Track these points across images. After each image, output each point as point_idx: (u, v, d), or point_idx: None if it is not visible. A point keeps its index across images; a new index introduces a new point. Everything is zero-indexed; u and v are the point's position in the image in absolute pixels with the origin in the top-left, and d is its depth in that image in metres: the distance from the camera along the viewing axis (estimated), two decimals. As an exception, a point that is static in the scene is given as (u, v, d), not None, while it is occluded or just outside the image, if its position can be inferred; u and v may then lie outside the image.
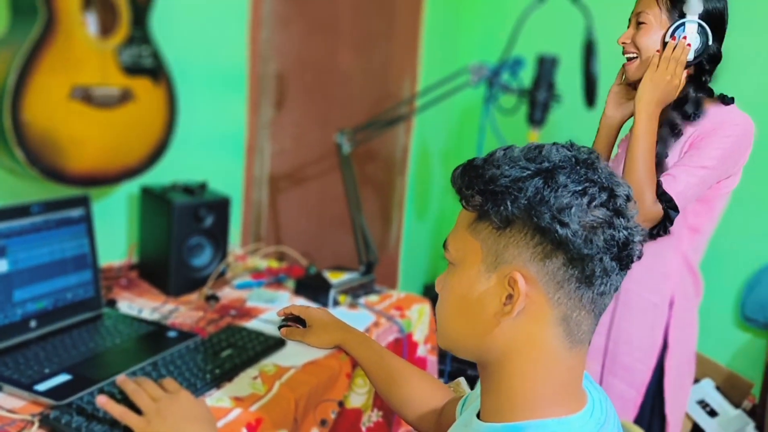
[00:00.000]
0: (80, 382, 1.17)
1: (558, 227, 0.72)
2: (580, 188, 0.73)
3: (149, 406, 0.96)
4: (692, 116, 1.48)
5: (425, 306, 1.76)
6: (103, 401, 0.95)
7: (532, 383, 0.76)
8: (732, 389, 2.85)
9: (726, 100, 1.52)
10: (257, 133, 2.19)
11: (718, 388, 2.79)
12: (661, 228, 1.45)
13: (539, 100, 1.66)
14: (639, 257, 0.78)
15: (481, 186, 0.76)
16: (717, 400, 2.72)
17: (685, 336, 1.55)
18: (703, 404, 2.72)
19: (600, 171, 0.76)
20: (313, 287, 1.70)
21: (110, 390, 1.14)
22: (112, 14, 1.50)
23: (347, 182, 1.85)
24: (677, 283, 1.51)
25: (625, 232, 0.74)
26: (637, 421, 1.53)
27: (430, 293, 3.40)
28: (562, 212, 0.72)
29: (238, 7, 2.06)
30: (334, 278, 1.72)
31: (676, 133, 1.50)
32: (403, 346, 1.62)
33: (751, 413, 2.74)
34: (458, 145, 3.52)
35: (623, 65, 1.62)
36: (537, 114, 1.67)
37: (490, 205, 0.75)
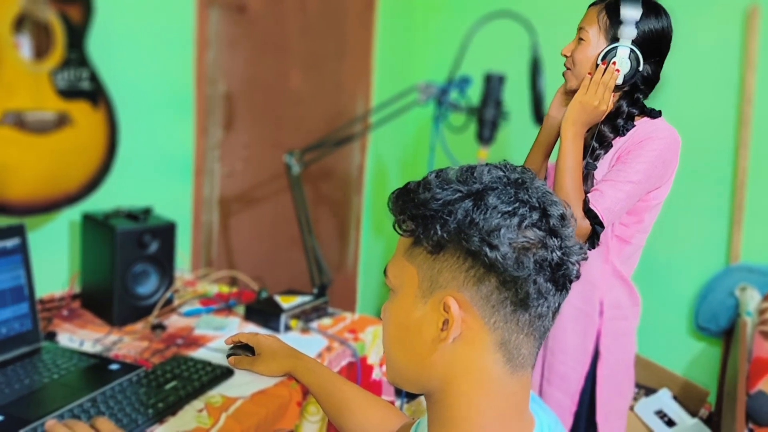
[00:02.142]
0: (13, 423, 1.11)
1: (487, 250, 0.70)
2: (509, 209, 0.72)
3: (80, 449, 0.91)
4: (622, 130, 1.50)
5: (380, 328, 1.73)
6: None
7: (476, 410, 0.74)
8: (689, 398, 2.88)
9: (653, 114, 1.54)
10: (205, 155, 2.15)
11: (675, 397, 2.81)
12: (588, 244, 1.47)
13: (487, 118, 1.66)
14: (577, 277, 0.77)
15: (413, 210, 0.75)
16: (674, 410, 2.75)
17: (620, 345, 1.56)
18: (660, 414, 2.73)
19: (532, 190, 0.75)
20: (264, 312, 1.66)
21: None
22: (45, 36, 1.45)
23: (298, 204, 1.82)
24: (606, 292, 1.53)
25: (559, 253, 0.72)
26: (573, 429, 1.53)
27: (388, 312, 3.37)
28: (491, 234, 0.70)
29: (183, 28, 2.03)
30: (286, 302, 1.68)
31: (606, 146, 1.52)
32: (357, 370, 1.59)
33: (708, 421, 2.77)
34: (414, 161, 3.52)
35: (563, 73, 1.62)
36: (485, 132, 1.68)
37: (421, 229, 0.74)
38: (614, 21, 1.47)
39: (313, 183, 2.77)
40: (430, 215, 0.73)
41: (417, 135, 3.43)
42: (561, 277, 0.74)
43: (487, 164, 0.78)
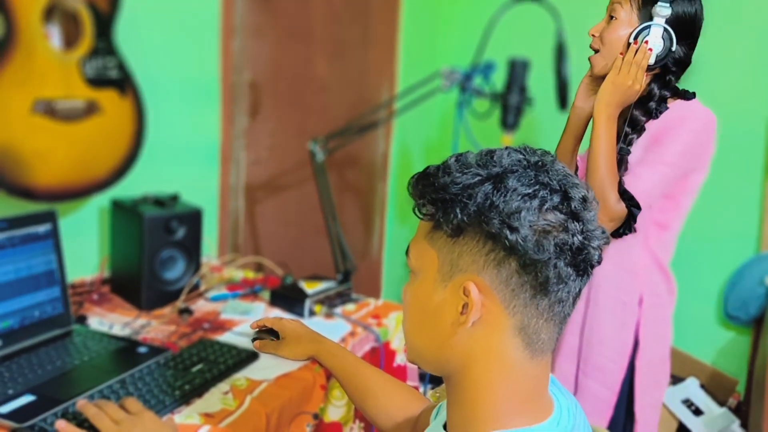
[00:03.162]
0: (44, 403, 1.15)
1: (508, 232, 0.70)
2: (530, 191, 0.71)
3: (111, 429, 0.93)
4: (654, 113, 1.48)
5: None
6: (62, 426, 0.93)
7: (494, 394, 0.75)
8: (717, 387, 2.85)
9: (687, 96, 1.52)
10: (232, 143, 2.17)
11: (702, 386, 2.78)
12: (626, 227, 1.45)
13: (511, 104, 1.65)
14: (599, 262, 0.76)
15: (433, 195, 0.75)
16: (702, 399, 2.72)
17: (657, 334, 1.54)
18: (688, 403, 2.71)
19: (553, 173, 0.74)
20: (289, 298, 1.68)
21: (74, 412, 1.12)
22: (75, 26, 1.47)
23: (322, 191, 1.83)
24: (645, 280, 1.51)
25: (580, 237, 0.72)
26: (613, 421, 1.52)
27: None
28: (511, 217, 0.70)
29: (209, 17, 2.04)
30: (310, 288, 1.70)
31: (639, 129, 1.50)
32: (380, 355, 1.60)
33: (736, 411, 2.74)
34: (438, 148, 3.51)
35: (590, 57, 1.60)
36: (510, 118, 1.67)
37: (441, 213, 0.74)
38: (647, 0, 1.44)
39: (338, 170, 2.78)
40: (450, 199, 0.73)
41: (441, 121, 3.42)
42: (582, 262, 0.73)
43: (507, 147, 0.78)
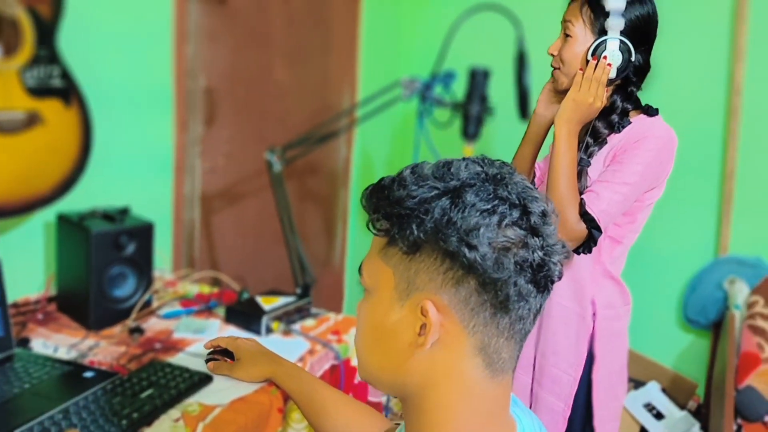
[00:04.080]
0: (-21, 438, 1.08)
1: (466, 250, 0.67)
2: (488, 207, 0.69)
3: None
4: (617, 126, 1.47)
5: (363, 329, 1.70)
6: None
7: (455, 416, 0.71)
8: (677, 391, 2.88)
9: (650, 112, 1.51)
10: (186, 151, 2.10)
11: (663, 390, 2.80)
12: (584, 248, 1.44)
13: (472, 114, 1.62)
14: (559, 277, 0.74)
15: (387, 209, 0.72)
16: (663, 403, 2.74)
17: (613, 346, 1.53)
18: (649, 407, 2.73)
19: (512, 186, 0.72)
20: (245, 314, 1.62)
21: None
22: (13, 33, 1.40)
23: (280, 202, 1.78)
24: (597, 292, 1.49)
25: (541, 253, 0.70)
26: None
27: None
28: (470, 234, 0.67)
29: (161, 21, 1.97)
30: (268, 304, 1.64)
31: (600, 142, 1.49)
32: (340, 373, 1.55)
33: (696, 414, 2.77)
34: (401, 154, 3.48)
35: (553, 72, 1.60)
36: (471, 128, 1.64)
37: (396, 229, 0.71)
38: (599, 13, 1.43)
39: (298, 178, 2.73)
40: (406, 214, 0.70)
41: (403, 128, 3.39)
42: (543, 279, 0.71)
43: (464, 159, 0.75)
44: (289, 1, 2.48)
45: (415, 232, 0.69)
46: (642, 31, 1.44)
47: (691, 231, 2.96)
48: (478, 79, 1.62)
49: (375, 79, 3.11)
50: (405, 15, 3.34)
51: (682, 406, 2.76)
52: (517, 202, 0.70)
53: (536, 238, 0.70)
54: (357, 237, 3.22)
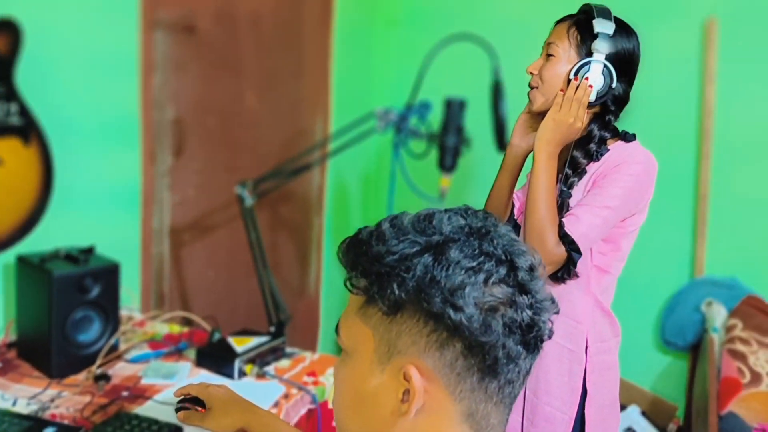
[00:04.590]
0: None
1: (451, 312, 0.63)
2: (474, 264, 0.64)
3: None
4: (595, 155, 1.46)
5: (341, 368, 1.65)
6: None
7: None
8: (657, 413, 2.86)
9: (627, 137, 1.50)
10: (154, 184, 2.04)
11: (643, 413, 2.78)
12: (564, 271, 1.41)
13: (449, 145, 1.59)
14: (549, 336, 0.70)
15: (366, 265, 0.67)
16: (643, 426, 2.72)
17: (605, 380, 1.50)
18: (630, 431, 2.71)
19: (498, 240, 0.68)
20: (217, 357, 1.56)
21: None
22: (-32, 70, 1.33)
23: (251, 237, 1.72)
24: (590, 326, 1.46)
25: (530, 312, 0.66)
26: None
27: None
28: (454, 294, 0.63)
29: (127, 52, 1.91)
30: (240, 345, 1.58)
31: (580, 172, 1.47)
32: (317, 418, 1.50)
33: (677, 437, 2.75)
34: (375, 181, 3.45)
35: (529, 93, 1.58)
36: (447, 160, 1.60)
37: (376, 288, 0.66)
38: (586, 37, 1.42)
39: (271, 206, 2.67)
40: (386, 272, 0.65)
41: (378, 154, 3.36)
42: (533, 339, 0.67)
43: (446, 211, 0.71)
44: (259, 27, 2.44)
45: (396, 292, 0.65)
46: (625, 63, 1.43)
47: (666, 252, 2.96)
48: (454, 109, 1.59)
49: (348, 103, 3.07)
50: (377, 38, 3.32)
51: (662, 429, 2.74)
52: (503, 257, 0.66)
53: (525, 296, 0.66)
54: (331, 265, 3.16)
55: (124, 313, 1.80)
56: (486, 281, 0.64)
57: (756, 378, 2.13)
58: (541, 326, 0.67)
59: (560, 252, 1.35)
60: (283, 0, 2.56)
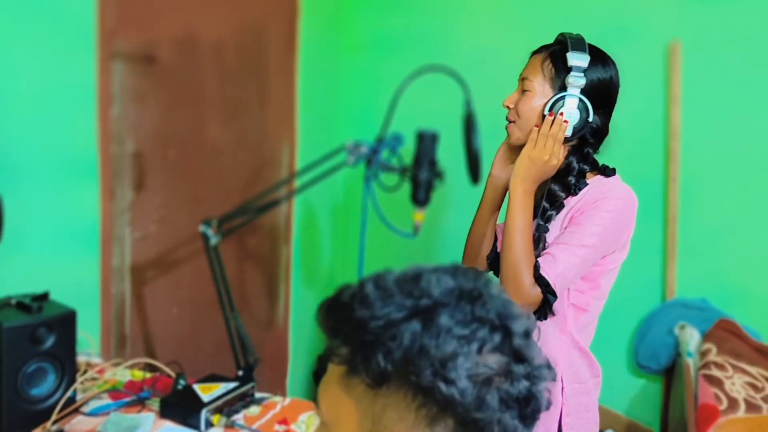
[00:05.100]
0: None
1: (442, 385, 0.58)
2: (466, 332, 0.59)
3: None
4: (573, 189, 1.42)
5: (314, 415, 1.57)
6: None
7: None
8: (633, 438, 2.84)
9: (607, 172, 1.48)
10: (114, 221, 1.94)
11: (620, 439, 2.76)
12: (540, 314, 1.37)
13: (422, 179, 1.53)
14: (547, 408, 0.65)
15: (349, 332, 0.61)
16: (620, 452, 2.69)
17: (582, 422, 1.45)
18: (607, 458, 2.68)
19: (490, 303, 0.62)
20: (182, 407, 1.47)
21: None
22: None
23: (217, 278, 1.65)
24: (566, 367, 1.42)
25: (527, 383, 0.61)
26: None
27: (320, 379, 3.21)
28: (446, 365, 0.58)
29: (83, 84, 1.83)
30: (207, 393, 1.50)
31: (557, 206, 1.44)
32: (290, 469, 1.42)
33: (653, 462, 2.73)
34: (344, 208, 3.39)
35: (507, 126, 1.56)
36: (421, 194, 1.54)
37: (360, 358, 0.60)
38: (560, 69, 1.39)
39: (237, 236, 2.58)
40: (370, 340, 0.60)
41: (346, 185, 3.32)
42: (531, 412, 0.62)
43: (434, 270, 0.65)
44: (221, 55, 2.37)
45: (382, 363, 0.59)
46: (602, 94, 1.41)
47: (637, 275, 2.95)
48: (426, 142, 1.54)
49: (315, 130, 3.02)
50: (342, 65, 3.28)
51: (639, 455, 2.71)
52: (497, 322, 0.61)
53: (521, 365, 0.61)
54: (300, 293, 3.09)
55: (82, 359, 1.70)
56: (480, 350, 0.59)
57: (733, 404, 2.12)
58: (539, 397, 0.62)
59: (536, 293, 1.31)
60: (246, 27, 2.50)
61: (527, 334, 0.63)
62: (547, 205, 1.43)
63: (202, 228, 1.62)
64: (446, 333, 0.59)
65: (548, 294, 1.33)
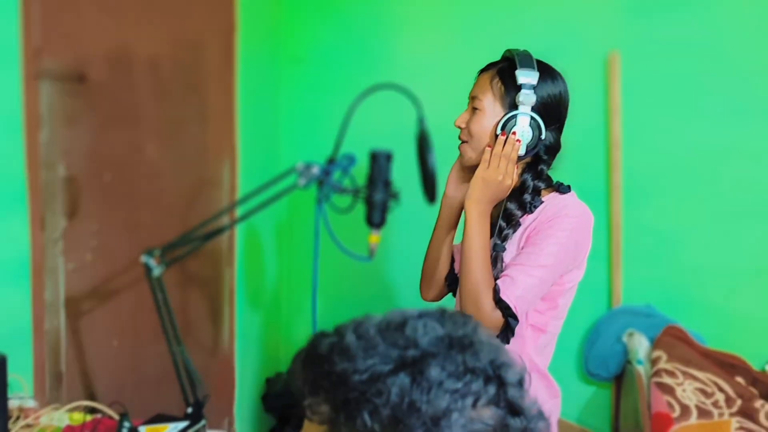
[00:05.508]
0: None
1: None
2: (459, 386, 0.54)
3: None
4: (529, 207, 1.41)
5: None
6: None
7: None
8: (585, 447, 2.85)
9: (562, 189, 1.46)
10: (45, 252, 1.82)
11: (573, 448, 2.77)
12: (501, 338, 1.34)
13: (376, 200, 1.48)
14: None
15: (329, 389, 0.55)
16: (573, 461, 2.69)
17: None
18: (561, 467, 2.67)
19: (482, 351, 0.58)
20: (128, 454, 1.37)
21: None
22: None
23: (161, 310, 1.55)
24: None
25: None
26: None
27: (269, 403, 3.12)
28: (438, 423, 0.53)
29: (8, 107, 1.71)
30: (155, 436, 1.40)
31: (514, 224, 1.42)
32: None
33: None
34: (289, 227, 3.31)
35: (459, 147, 1.53)
36: (376, 216, 1.49)
37: (343, 417, 0.55)
38: (510, 87, 1.37)
39: (178, 263, 2.47)
40: (354, 397, 0.54)
41: (291, 202, 3.24)
42: None
43: (420, 315, 0.60)
44: (157, 72, 2.27)
45: (368, 422, 0.54)
46: (553, 110, 1.40)
47: (584, 283, 2.96)
48: (380, 162, 1.49)
49: (256, 146, 2.94)
50: (283, 78, 3.21)
51: (592, 463, 2.73)
52: (491, 372, 0.56)
53: (516, 418, 0.56)
54: (245, 316, 2.99)
55: (14, 403, 1.57)
56: (474, 404, 0.54)
57: (686, 411, 2.14)
58: None
59: (497, 317, 1.29)
60: (182, 42, 2.40)
61: (521, 383, 0.59)
62: (503, 224, 1.41)
63: (144, 258, 1.52)
64: (438, 387, 0.54)
65: (509, 317, 1.31)
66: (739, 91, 2.78)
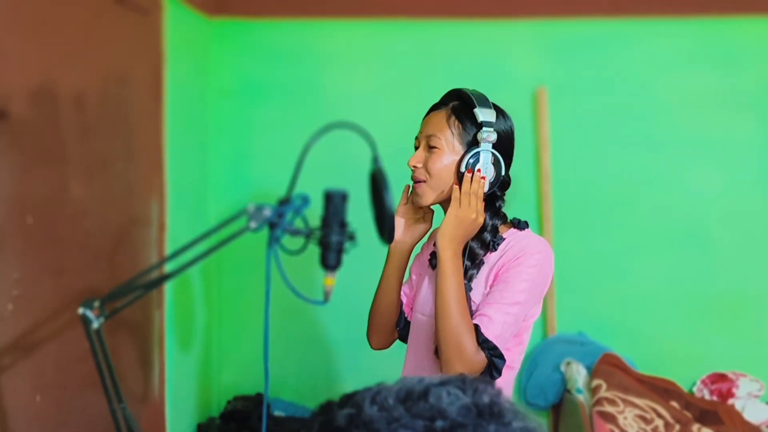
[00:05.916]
0: None
1: None
2: None
3: None
4: (492, 244, 1.41)
5: None
6: None
7: None
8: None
9: (520, 225, 1.48)
10: (-37, 305, 1.66)
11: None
12: (487, 376, 1.33)
13: (332, 242, 1.44)
14: None
15: None
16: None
17: None
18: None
19: (512, 420, 0.55)
20: None
21: None
22: None
23: (100, 366, 1.44)
24: None
25: None
26: None
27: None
28: None
29: None
30: (98, 505, 1.28)
31: (478, 263, 1.42)
32: None
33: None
34: (217, 262, 3.19)
35: (408, 186, 1.52)
36: (331, 258, 1.44)
37: None
38: (467, 125, 1.39)
39: (106, 304, 2.32)
40: None
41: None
42: None
43: (440, 383, 0.56)
44: (82, 108, 2.15)
45: None
46: (507, 146, 1.42)
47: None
48: (336, 202, 1.45)
49: (184, 182, 2.83)
50: (210, 112, 3.13)
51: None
52: None
53: None
54: (175, 360, 2.84)
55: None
56: None
57: (628, 439, 2.18)
58: None
59: (480, 359, 1.27)
60: (109, 77, 2.29)
61: None
62: (468, 264, 1.40)
63: (81, 310, 1.41)
64: None
65: (495, 358, 1.30)
66: (657, 123, 2.93)
